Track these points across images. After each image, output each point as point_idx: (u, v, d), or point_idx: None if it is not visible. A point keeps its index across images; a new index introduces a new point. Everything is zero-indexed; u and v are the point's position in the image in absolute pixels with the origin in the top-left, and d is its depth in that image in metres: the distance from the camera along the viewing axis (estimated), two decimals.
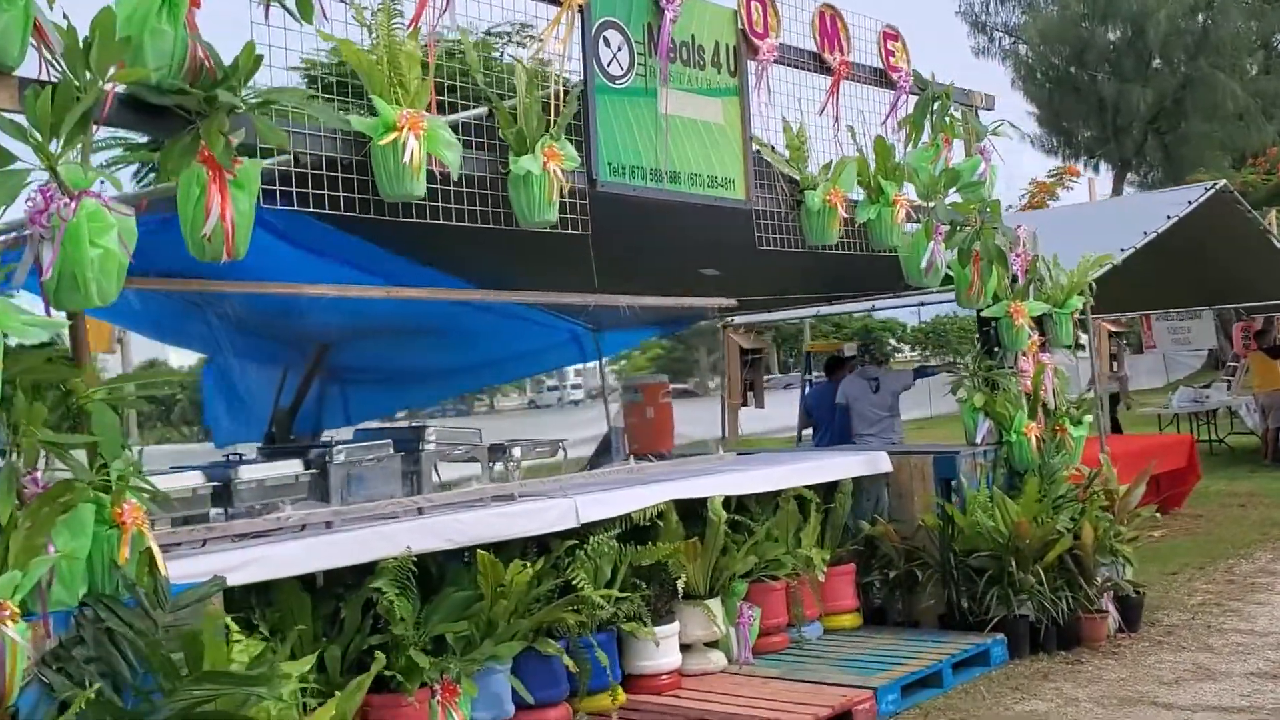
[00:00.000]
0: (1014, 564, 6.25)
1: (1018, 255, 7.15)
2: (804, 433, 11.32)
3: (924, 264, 6.29)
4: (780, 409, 12.54)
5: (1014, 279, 7.14)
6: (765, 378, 10.54)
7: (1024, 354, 7.10)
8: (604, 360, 9.33)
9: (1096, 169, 37.97)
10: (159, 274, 7.91)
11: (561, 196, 4.31)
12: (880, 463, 6.80)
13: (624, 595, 5.31)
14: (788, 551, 6.16)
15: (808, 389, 11.55)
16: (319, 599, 4.40)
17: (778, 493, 6.17)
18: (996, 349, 7.08)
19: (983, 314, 7.06)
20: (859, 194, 6.08)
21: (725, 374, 10.44)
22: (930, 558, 6.52)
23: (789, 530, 6.27)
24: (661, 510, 5.46)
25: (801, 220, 5.66)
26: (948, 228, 6.64)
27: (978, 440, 6.89)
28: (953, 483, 6.64)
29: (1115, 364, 15.70)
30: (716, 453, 6.38)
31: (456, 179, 3.94)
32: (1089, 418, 7.36)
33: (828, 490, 6.55)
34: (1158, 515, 7.14)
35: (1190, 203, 9.94)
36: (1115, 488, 6.98)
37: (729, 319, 10.53)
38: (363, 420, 10.77)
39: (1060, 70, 36.14)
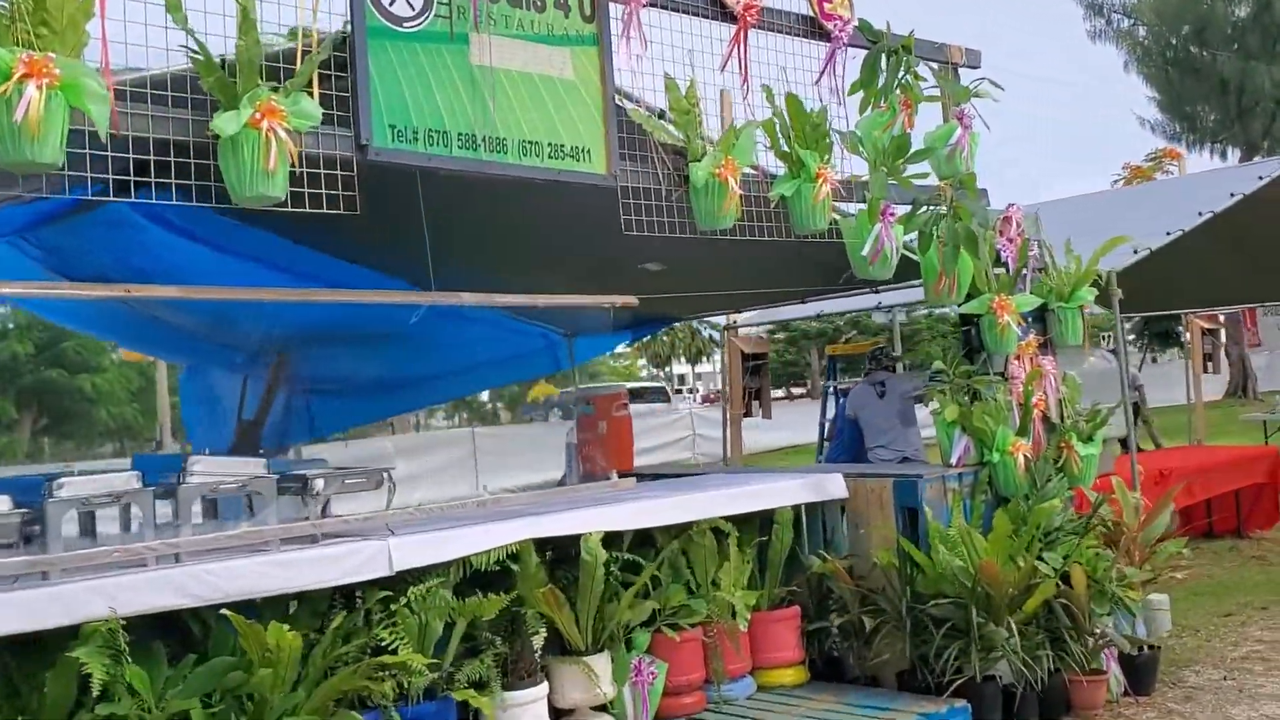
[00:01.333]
0: (979, 613, 5.13)
1: (1008, 240, 5.99)
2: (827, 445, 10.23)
3: (867, 250, 5.22)
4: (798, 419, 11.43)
5: (1006, 268, 6.00)
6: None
7: (1016, 358, 5.94)
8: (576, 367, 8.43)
9: (1224, 155, 35.41)
10: (92, 278, 7.41)
11: (295, 165, 3.43)
12: (831, 487, 5.72)
13: (476, 654, 4.43)
14: (697, 595, 5.16)
15: (831, 397, 10.45)
16: (30, 667, 3.62)
17: (689, 525, 5.17)
18: (980, 352, 5.94)
19: (961, 311, 5.94)
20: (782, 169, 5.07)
21: (728, 382, 9.42)
22: (887, 603, 5.43)
23: (709, 570, 5.27)
24: (516, 551, 4.53)
25: (690, 199, 4.66)
26: (908, 208, 5.57)
27: (953, 460, 5.76)
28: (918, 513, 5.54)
29: (1210, 364, 14.04)
30: (610, 479, 5.41)
31: (105, 140, 3.10)
32: (1104, 433, 6.15)
33: (766, 521, 5.53)
34: (1184, 552, 5.88)
35: (1261, 178, 8.49)
36: (1127, 519, 5.77)
37: (733, 322, 9.53)
38: (330, 432, 10.12)
39: (1179, 51, 33.74)
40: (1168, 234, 7.57)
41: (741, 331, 9.90)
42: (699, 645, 5.14)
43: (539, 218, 5.87)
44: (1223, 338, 25.08)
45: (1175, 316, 15.52)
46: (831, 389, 10.38)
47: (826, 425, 10.25)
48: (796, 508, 5.72)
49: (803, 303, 7.90)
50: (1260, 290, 12.68)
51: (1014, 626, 5.12)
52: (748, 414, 9.30)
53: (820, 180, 4.93)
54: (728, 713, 5.10)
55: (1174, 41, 33.81)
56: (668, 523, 4.99)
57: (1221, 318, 22.90)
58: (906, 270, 5.73)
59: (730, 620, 5.18)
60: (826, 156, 5.04)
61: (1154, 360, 35.78)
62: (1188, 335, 14.62)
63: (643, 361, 50.75)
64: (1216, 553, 9.10)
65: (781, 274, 6.72)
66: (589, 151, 4.35)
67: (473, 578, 4.51)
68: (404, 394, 8.90)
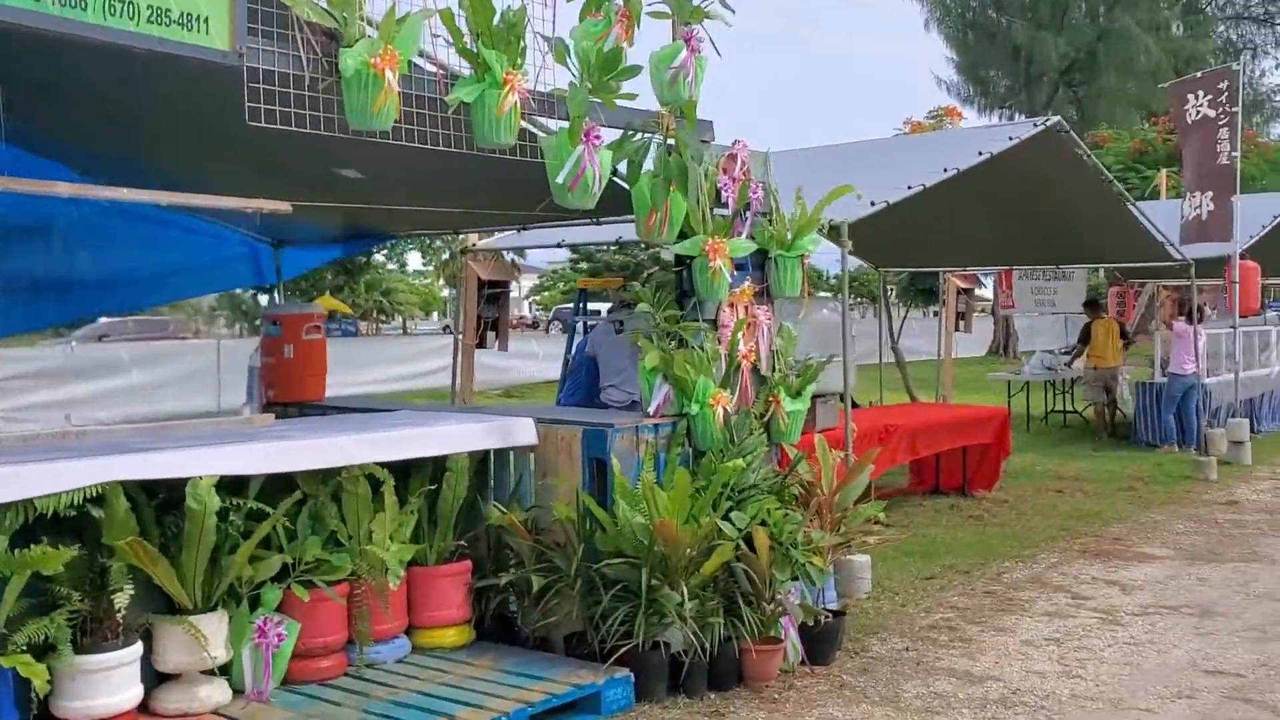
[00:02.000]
0: (655, 575, 4.76)
1: (731, 179, 5.57)
2: None
3: (565, 175, 4.67)
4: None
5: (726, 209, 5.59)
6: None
7: (730, 305, 5.57)
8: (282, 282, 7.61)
9: (1012, 120, 36.78)
10: None
11: None
12: (519, 433, 5.24)
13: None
14: (345, 548, 4.60)
15: (578, 333, 9.99)
16: None
17: (337, 471, 4.58)
18: (691, 296, 5.53)
19: (673, 251, 5.51)
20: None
21: (462, 309, 8.81)
22: (562, 560, 5.00)
23: (361, 522, 4.69)
24: (101, 494, 3.83)
25: (341, 92, 3.99)
26: (621, 133, 5.07)
27: (651, 410, 5.36)
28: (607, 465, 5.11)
29: (963, 322, 14.32)
30: (242, 414, 4.77)
31: None
32: (813, 388, 5.88)
33: (438, 467, 5.00)
34: (881, 516, 5.69)
35: (1011, 139, 8.43)
36: (823, 480, 5.51)
37: (471, 244, 8.90)
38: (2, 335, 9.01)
39: (977, 14, 34.66)
40: (909, 187, 7.36)
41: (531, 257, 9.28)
42: (339, 604, 4.58)
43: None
44: (983, 295, 26.02)
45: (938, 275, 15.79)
46: (579, 325, 9.92)
47: (570, 362, 9.80)
48: (481, 454, 5.24)
49: (523, 229, 7.33)
50: (1015, 253, 12.98)
51: (688, 590, 4.78)
52: (481, 345, 8.72)
53: (507, 87, 4.33)
54: (368, 678, 4.58)
55: (973, 4, 34.70)
56: (299, 468, 4.38)
57: (983, 278, 23.64)
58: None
59: (381, 577, 4.64)
60: (519, 61, 4.44)
61: (936, 314, 37.13)
62: (942, 292, 14.88)
63: (442, 282, 49.45)
64: (938, 511, 9.16)
65: (495, 195, 6.13)
66: (205, 20, 3.62)
67: (53, 523, 3.80)
68: (83, 298, 7.86)
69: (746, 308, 5.68)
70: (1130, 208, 10.66)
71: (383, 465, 4.67)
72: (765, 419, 5.71)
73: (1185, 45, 32.16)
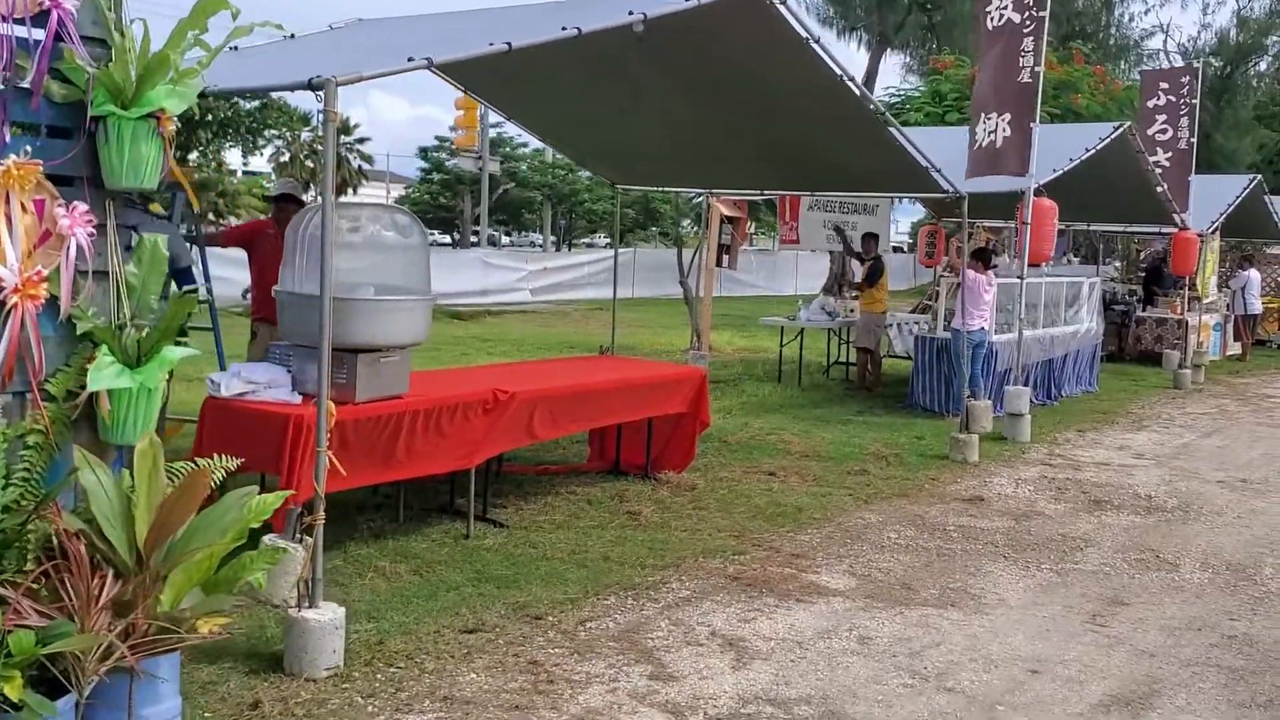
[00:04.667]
0: None
1: None
2: None
3: None
4: None
5: None
6: None
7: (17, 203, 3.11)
8: None
9: (864, 44, 34.82)
10: None
11: None
12: None
13: None
14: None
15: None
16: None
17: None
18: None
19: None
20: None
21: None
22: None
23: None
24: None
25: None
26: None
27: None
28: None
29: (726, 256, 12.13)
30: None
31: None
32: (180, 353, 3.48)
33: None
34: (259, 579, 3.33)
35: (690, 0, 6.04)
36: (138, 518, 3.12)
37: None
38: None
39: None
40: (490, 44, 4.93)
41: None
42: None
43: None
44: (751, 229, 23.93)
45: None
46: None
47: None
48: None
49: None
50: (780, 178, 10.73)
51: None
52: None
53: None
54: None
55: None
56: None
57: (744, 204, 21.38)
58: None
59: None
60: None
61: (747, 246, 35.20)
62: (705, 217, 12.64)
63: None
64: (591, 502, 6.90)
65: None
66: None
67: None
68: None
69: (31, 202, 3.22)
70: (891, 130, 8.47)
71: None
72: (75, 405, 3.31)
73: None
